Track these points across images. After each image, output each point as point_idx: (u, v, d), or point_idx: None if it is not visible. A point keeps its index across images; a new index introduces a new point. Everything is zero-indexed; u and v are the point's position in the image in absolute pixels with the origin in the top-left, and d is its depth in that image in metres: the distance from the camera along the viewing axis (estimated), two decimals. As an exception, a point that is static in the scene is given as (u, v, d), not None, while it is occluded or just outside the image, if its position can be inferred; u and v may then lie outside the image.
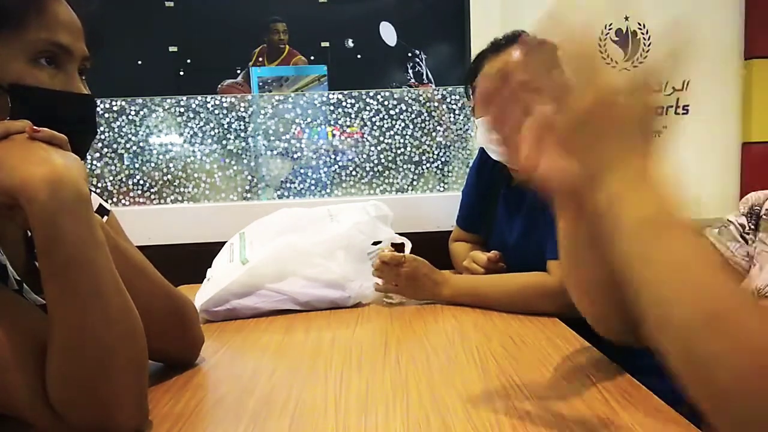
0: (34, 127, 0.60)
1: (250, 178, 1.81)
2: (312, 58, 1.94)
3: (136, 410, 0.65)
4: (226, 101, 1.79)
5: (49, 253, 0.58)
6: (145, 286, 0.76)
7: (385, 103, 1.81)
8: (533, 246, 1.17)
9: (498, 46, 1.22)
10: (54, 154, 0.59)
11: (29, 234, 0.74)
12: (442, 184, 1.85)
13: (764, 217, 0.80)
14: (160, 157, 1.76)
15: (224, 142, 1.79)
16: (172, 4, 1.88)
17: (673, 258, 0.46)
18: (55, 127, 0.62)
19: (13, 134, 0.60)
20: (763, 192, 0.83)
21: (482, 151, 1.41)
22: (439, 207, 1.70)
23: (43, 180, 0.56)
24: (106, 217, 0.86)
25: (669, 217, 0.47)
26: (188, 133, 1.77)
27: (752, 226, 0.81)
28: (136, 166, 1.76)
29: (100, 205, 0.87)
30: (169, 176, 1.76)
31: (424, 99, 1.83)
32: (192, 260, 1.27)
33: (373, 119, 1.81)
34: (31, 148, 0.59)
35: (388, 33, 2.05)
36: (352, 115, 1.81)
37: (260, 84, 1.96)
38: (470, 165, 1.51)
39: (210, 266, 1.25)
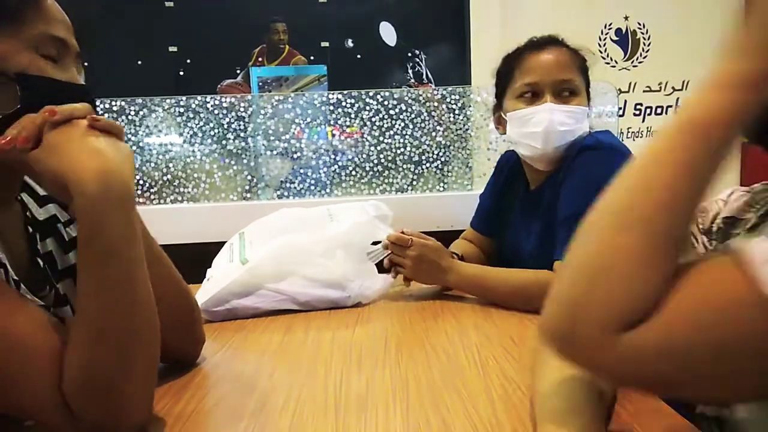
0: (95, 116, 0.63)
1: (250, 178, 1.81)
2: (312, 58, 1.94)
3: (146, 402, 0.66)
4: (226, 101, 1.79)
5: (90, 245, 0.60)
6: (161, 275, 0.78)
7: (385, 103, 1.81)
8: (549, 252, 1.16)
9: (538, 44, 1.22)
10: (108, 147, 0.62)
11: (30, 229, 0.74)
12: (442, 184, 1.85)
13: (722, 228, 0.69)
14: (160, 157, 1.76)
15: (224, 142, 1.79)
16: (172, 4, 1.88)
17: None
18: None
19: (76, 118, 0.63)
20: (716, 200, 0.72)
21: (504, 155, 1.41)
22: (439, 207, 1.70)
23: (95, 173, 0.59)
24: None
25: None
26: (188, 133, 1.77)
27: (713, 246, 0.71)
28: (136, 166, 1.75)
29: None
30: (169, 176, 1.76)
31: (424, 99, 1.83)
32: (192, 260, 1.27)
33: (373, 119, 1.81)
34: (88, 138, 0.61)
35: (388, 33, 2.05)
36: (352, 115, 1.81)
37: (260, 84, 1.95)
38: (469, 165, 1.51)
39: (210, 266, 1.25)
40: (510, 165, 1.34)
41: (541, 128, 1.16)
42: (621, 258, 0.48)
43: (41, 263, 0.75)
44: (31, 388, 0.60)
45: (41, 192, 0.80)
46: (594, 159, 1.11)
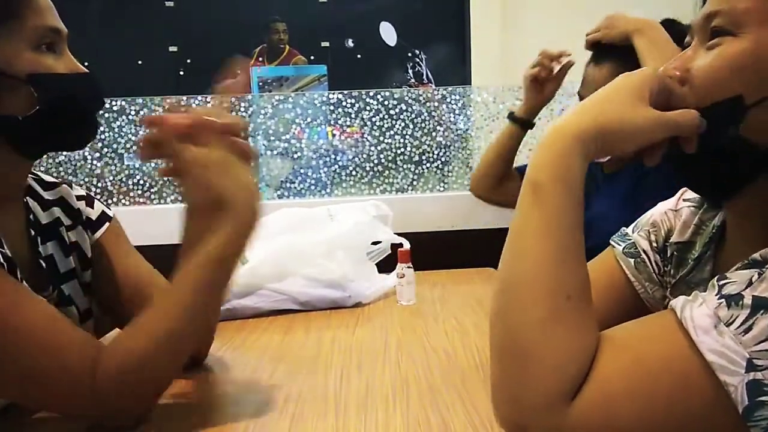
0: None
1: (250, 178, 1.80)
2: (312, 58, 1.95)
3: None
4: (226, 101, 1.78)
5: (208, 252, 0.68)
6: None
7: (385, 103, 1.81)
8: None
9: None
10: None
11: (32, 232, 0.75)
12: (442, 184, 1.84)
13: (676, 254, 0.66)
14: (160, 157, 1.75)
15: (224, 142, 1.78)
16: (172, 4, 1.88)
17: None
18: (75, 108, 0.70)
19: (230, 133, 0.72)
20: (666, 211, 0.70)
21: None
22: (439, 207, 1.70)
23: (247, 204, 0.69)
24: (107, 224, 0.87)
25: None
26: (188, 133, 1.76)
27: (668, 269, 0.68)
28: (136, 166, 1.75)
29: (103, 211, 0.87)
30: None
31: (424, 99, 1.83)
32: (192, 260, 1.27)
33: (373, 119, 1.81)
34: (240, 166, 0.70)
35: (388, 33, 2.05)
36: (352, 115, 1.81)
37: (260, 84, 1.96)
38: (470, 165, 1.50)
39: (210, 266, 1.25)
40: None
41: None
42: (531, 330, 0.47)
43: (43, 265, 0.75)
44: (68, 381, 0.61)
45: (46, 196, 0.80)
46: None
